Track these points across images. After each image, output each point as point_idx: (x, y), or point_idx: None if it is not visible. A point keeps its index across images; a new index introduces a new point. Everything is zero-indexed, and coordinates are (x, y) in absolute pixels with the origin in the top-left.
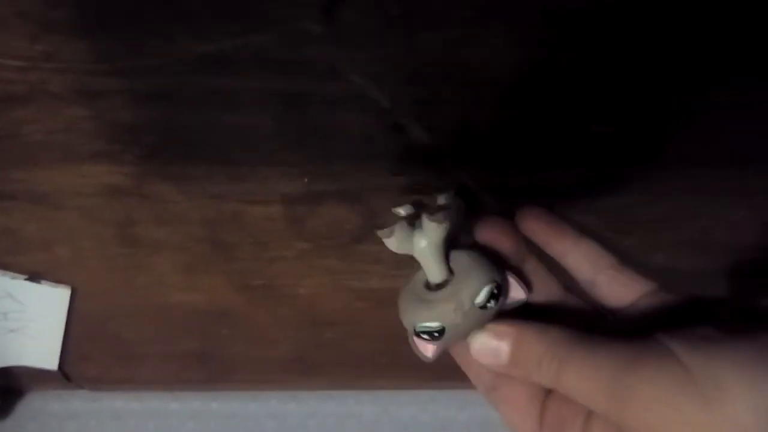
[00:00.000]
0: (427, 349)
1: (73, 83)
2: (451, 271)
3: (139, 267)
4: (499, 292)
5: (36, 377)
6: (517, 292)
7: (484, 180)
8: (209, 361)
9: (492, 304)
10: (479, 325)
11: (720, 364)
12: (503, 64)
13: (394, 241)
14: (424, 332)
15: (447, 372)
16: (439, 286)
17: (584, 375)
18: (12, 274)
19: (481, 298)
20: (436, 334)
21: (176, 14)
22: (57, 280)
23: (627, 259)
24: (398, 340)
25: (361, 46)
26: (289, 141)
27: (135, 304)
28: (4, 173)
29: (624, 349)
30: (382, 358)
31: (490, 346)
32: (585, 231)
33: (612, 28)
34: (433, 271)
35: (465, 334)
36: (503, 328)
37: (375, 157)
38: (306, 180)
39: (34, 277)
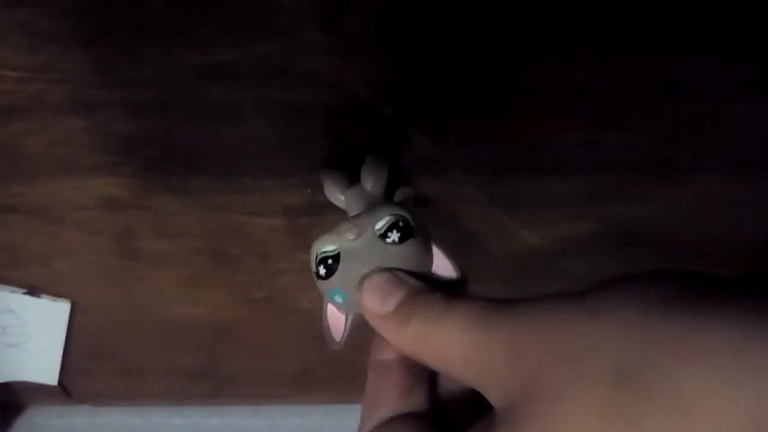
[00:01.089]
0: (338, 322)
1: (72, 95)
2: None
3: (140, 280)
4: (405, 229)
5: (36, 392)
6: (445, 267)
7: (489, 189)
8: (211, 376)
9: (393, 236)
10: (381, 263)
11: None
12: (507, 73)
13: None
14: (322, 261)
15: None
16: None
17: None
18: (12, 288)
19: (380, 224)
20: (330, 262)
21: (176, 25)
22: (57, 294)
23: (632, 270)
24: None
25: (365, 56)
26: (292, 152)
27: (136, 318)
28: (4, 187)
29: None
30: None
31: (385, 285)
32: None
33: (619, 38)
34: (352, 208)
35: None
36: (410, 278)
37: None
38: (309, 191)
39: (33, 291)
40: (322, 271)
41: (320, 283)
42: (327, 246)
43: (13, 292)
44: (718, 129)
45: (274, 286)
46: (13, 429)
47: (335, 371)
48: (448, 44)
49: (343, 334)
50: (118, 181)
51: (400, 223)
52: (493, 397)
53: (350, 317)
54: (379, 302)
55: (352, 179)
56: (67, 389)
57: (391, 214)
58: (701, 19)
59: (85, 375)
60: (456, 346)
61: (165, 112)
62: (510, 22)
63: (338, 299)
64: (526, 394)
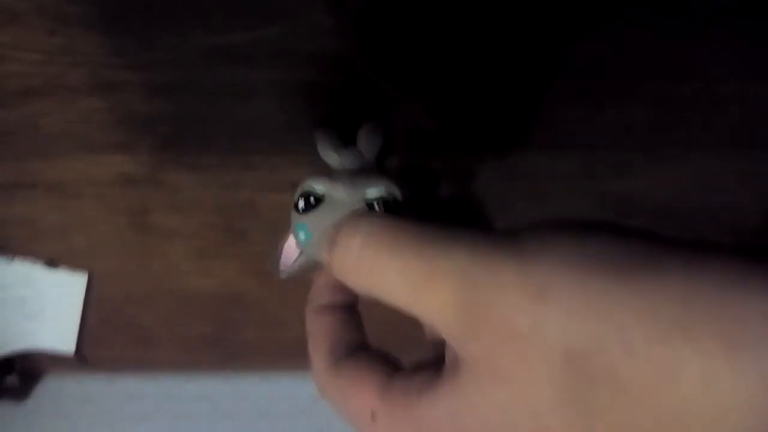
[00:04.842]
0: (290, 255)
1: (90, 76)
2: None
3: (154, 253)
4: (393, 208)
5: (53, 361)
6: None
7: (490, 164)
8: (222, 344)
9: (379, 208)
10: None
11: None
12: (507, 53)
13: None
14: (305, 196)
15: None
16: None
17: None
18: (31, 260)
19: (372, 192)
20: (312, 200)
21: (189, 8)
22: (74, 266)
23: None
24: (406, 322)
25: (371, 37)
26: (300, 130)
27: (150, 290)
28: (24, 164)
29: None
30: (390, 340)
31: (343, 237)
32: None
33: (617, 19)
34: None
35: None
36: (363, 221)
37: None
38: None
39: (52, 263)
40: (301, 204)
41: (293, 215)
42: (318, 185)
43: (32, 264)
44: (713, 107)
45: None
46: (31, 396)
47: None
48: (451, 25)
49: (288, 268)
50: (133, 158)
51: (390, 202)
52: (453, 345)
53: (302, 257)
54: (334, 252)
55: (345, 141)
56: (84, 358)
57: (386, 188)
58: (699, 0)
59: (100, 344)
60: (402, 292)
61: (178, 92)
62: (510, 2)
63: (301, 236)
64: (486, 359)
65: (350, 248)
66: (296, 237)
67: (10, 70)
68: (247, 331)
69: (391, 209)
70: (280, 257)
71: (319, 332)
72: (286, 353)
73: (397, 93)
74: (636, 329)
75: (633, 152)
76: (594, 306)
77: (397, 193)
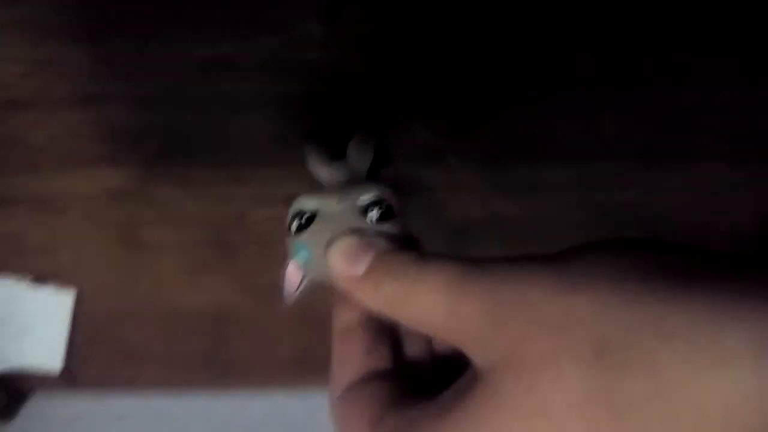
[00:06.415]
0: (294, 280)
1: (76, 88)
2: None
3: (143, 269)
4: (387, 211)
5: (41, 379)
6: None
7: (488, 177)
8: (214, 362)
9: (373, 214)
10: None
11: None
12: (503, 63)
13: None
14: (297, 216)
15: None
16: None
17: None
18: (17, 277)
19: (364, 198)
20: (305, 219)
21: (178, 18)
22: (61, 282)
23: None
24: None
25: (363, 48)
26: (291, 142)
27: (139, 306)
28: (8, 179)
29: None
30: None
31: (355, 250)
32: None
33: (615, 29)
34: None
35: (335, 236)
36: (378, 239)
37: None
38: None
39: (38, 280)
40: (295, 225)
41: (289, 240)
42: (307, 204)
43: (18, 282)
44: (710, 117)
45: (275, 273)
46: (19, 416)
47: None
48: (445, 35)
49: (294, 292)
50: (121, 172)
51: (383, 205)
52: (474, 356)
53: (306, 279)
54: (348, 265)
55: (335, 155)
56: (72, 376)
57: (377, 193)
58: (695, 10)
59: (89, 362)
60: (433, 310)
61: (167, 104)
62: (506, 12)
63: (300, 257)
64: (508, 360)
65: (375, 288)
66: (297, 259)
67: None
68: (238, 347)
69: (386, 213)
70: (283, 285)
71: (344, 359)
72: (279, 370)
73: (392, 104)
74: (675, 315)
75: (631, 162)
76: (630, 297)
77: (389, 195)
